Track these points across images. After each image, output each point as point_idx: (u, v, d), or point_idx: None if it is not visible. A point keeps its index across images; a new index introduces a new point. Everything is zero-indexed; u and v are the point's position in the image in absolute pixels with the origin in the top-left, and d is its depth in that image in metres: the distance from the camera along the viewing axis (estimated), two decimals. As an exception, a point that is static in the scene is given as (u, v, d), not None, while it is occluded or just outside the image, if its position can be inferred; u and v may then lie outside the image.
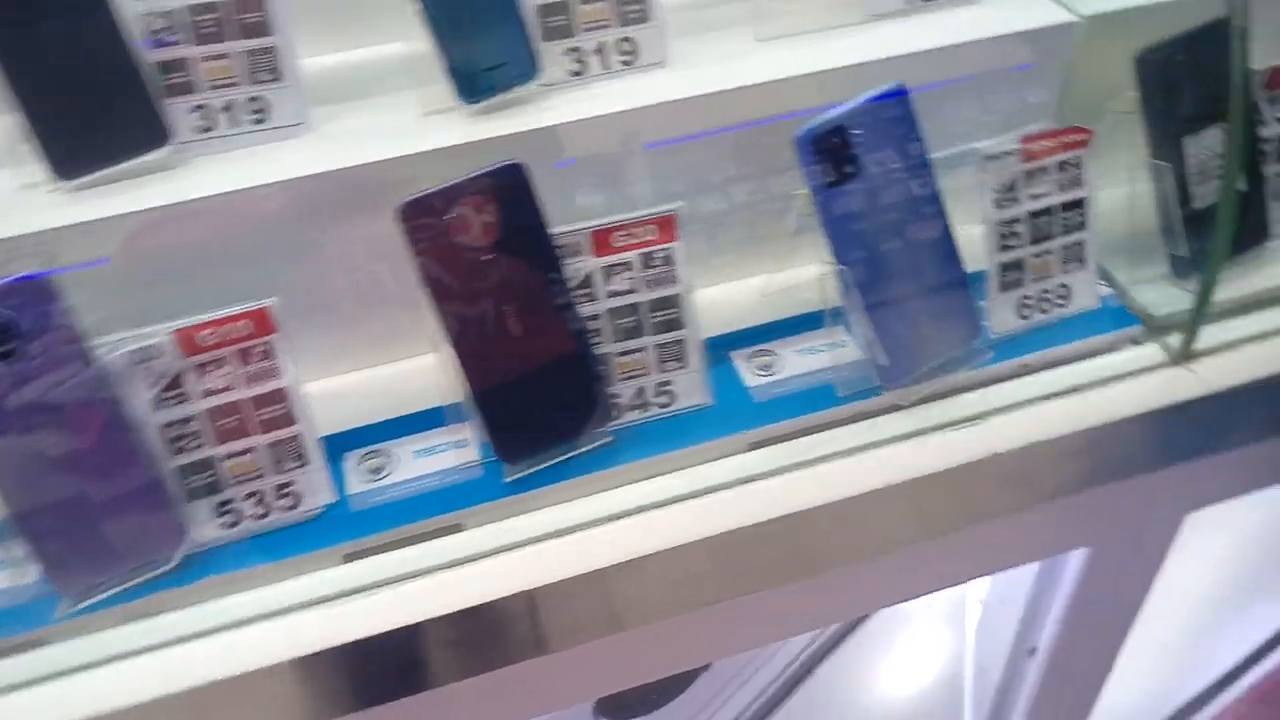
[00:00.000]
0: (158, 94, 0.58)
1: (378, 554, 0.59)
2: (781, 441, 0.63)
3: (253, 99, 0.61)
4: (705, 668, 0.92)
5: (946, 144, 0.62)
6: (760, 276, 0.70)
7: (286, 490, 0.58)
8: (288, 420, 0.57)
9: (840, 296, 0.61)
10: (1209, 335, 0.67)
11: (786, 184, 0.62)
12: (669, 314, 0.61)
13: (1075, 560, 0.77)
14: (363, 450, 0.63)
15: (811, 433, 0.63)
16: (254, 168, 0.60)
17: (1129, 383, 0.65)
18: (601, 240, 0.59)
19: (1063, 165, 0.64)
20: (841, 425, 0.64)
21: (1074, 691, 0.90)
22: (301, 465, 0.58)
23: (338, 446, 0.62)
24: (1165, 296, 0.69)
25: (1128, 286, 0.70)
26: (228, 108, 0.60)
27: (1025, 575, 0.84)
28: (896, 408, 0.64)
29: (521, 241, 0.57)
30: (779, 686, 0.96)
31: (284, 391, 0.57)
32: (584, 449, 0.61)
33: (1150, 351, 0.67)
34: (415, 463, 0.62)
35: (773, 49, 0.67)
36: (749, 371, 0.66)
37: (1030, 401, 0.64)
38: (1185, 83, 0.66)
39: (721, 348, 0.68)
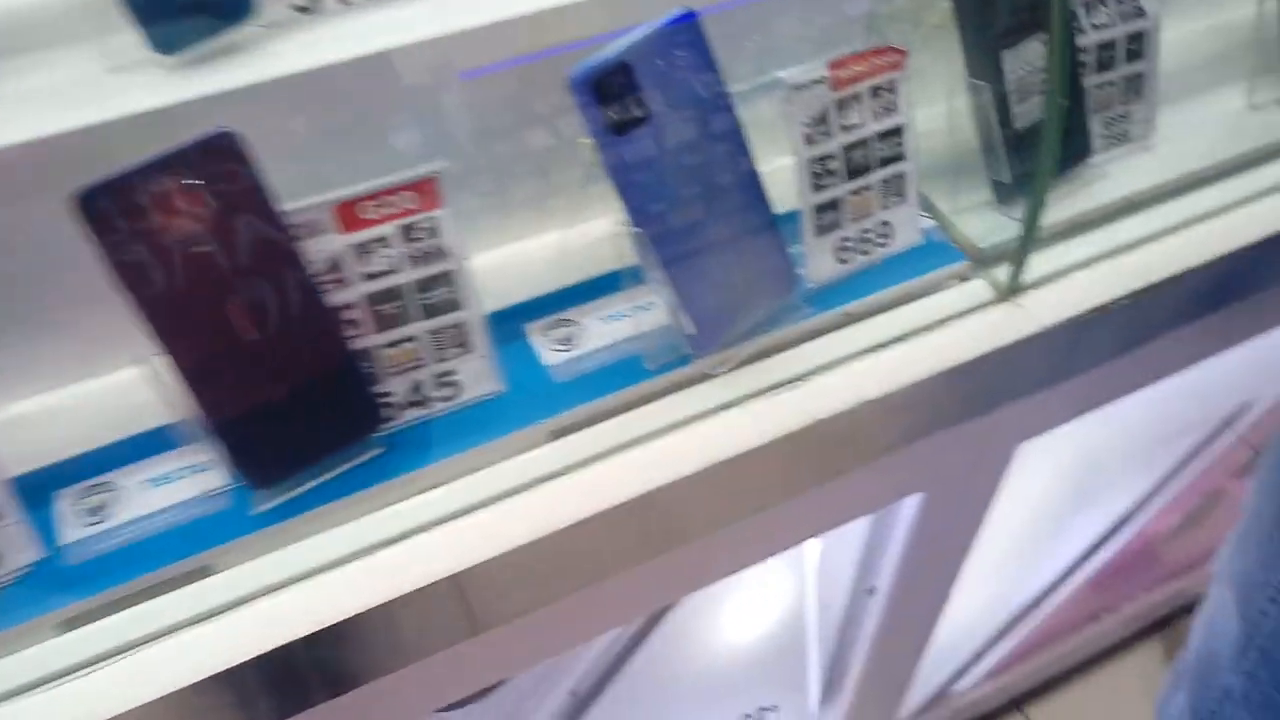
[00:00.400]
0: None
1: (104, 616, 0.48)
2: (587, 427, 0.55)
3: None
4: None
5: (760, 72, 0.55)
6: (554, 234, 0.62)
7: (-27, 555, 0.47)
8: (-40, 471, 0.46)
9: (638, 255, 0.53)
10: (1037, 264, 0.62)
11: (573, 128, 0.53)
12: (441, 294, 0.52)
13: (910, 503, 0.73)
14: (79, 486, 0.51)
15: (620, 413, 0.56)
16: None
17: (957, 325, 0.60)
18: (347, 214, 0.49)
19: (876, 91, 0.57)
20: (653, 401, 0.56)
21: (914, 624, 0.88)
22: (-7, 521, 0.47)
23: (44, 485, 0.51)
24: (990, 226, 0.64)
25: (951, 217, 0.64)
26: None
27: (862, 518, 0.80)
28: (711, 377, 0.57)
29: (242, 225, 0.46)
30: (622, 645, 0.91)
31: (-51, 437, 0.45)
32: (350, 462, 0.52)
33: (977, 288, 0.62)
34: (146, 496, 0.51)
35: (543, -34, 0.57)
36: (547, 347, 0.58)
37: (855, 355, 0.58)
38: (1002, -7, 0.60)
39: (515, 320, 0.59)
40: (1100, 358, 0.66)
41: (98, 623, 0.48)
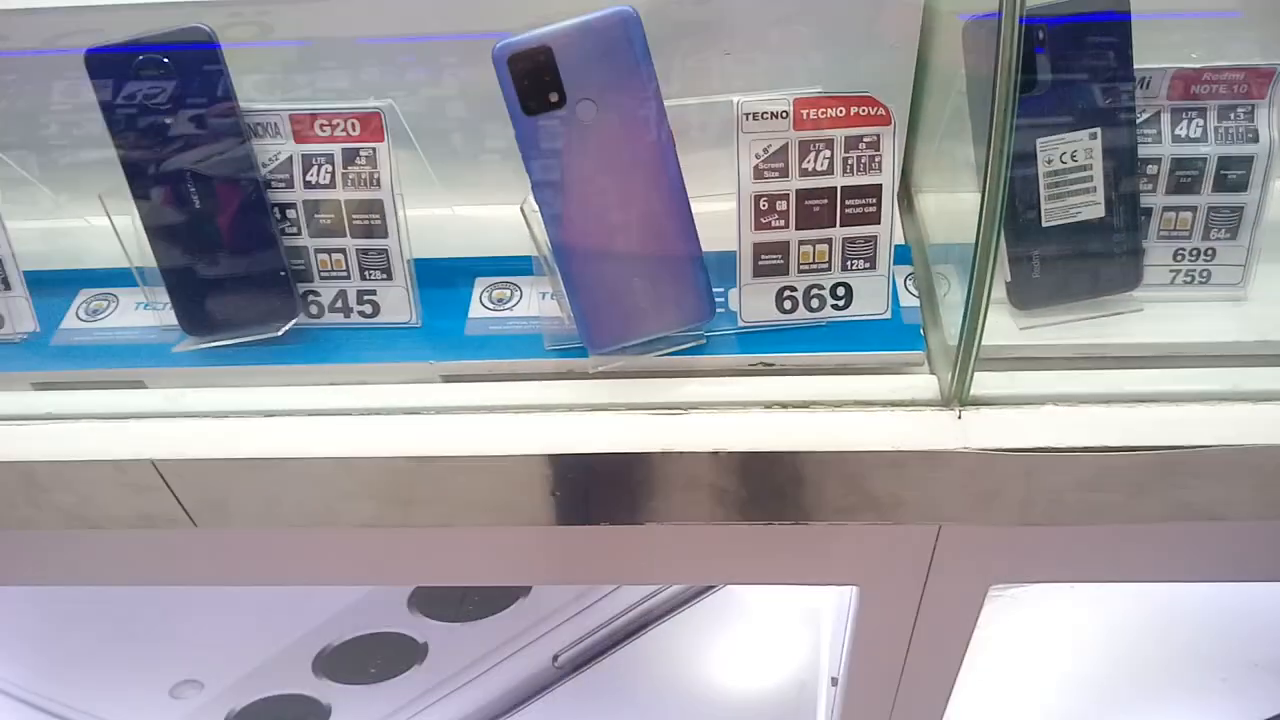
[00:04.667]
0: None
1: (62, 389, 0.60)
2: (475, 381, 0.59)
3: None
4: (526, 590, 0.90)
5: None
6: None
7: (-11, 310, 0.61)
8: (-11, 244, 0.59)
9: (542, 239, 0.55)
10: (1014, 384, 0.55)
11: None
12: (370, 219, 0.57)
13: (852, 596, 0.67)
14: (97, 291, 0.64)
15: (508, 380, 0.58)
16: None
17: (877, 413, 0.55)
18: (301, 125, 0.56)
19: (853, 142, 0.54)
20: (540, 380, 0.58)
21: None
22: (6, 290, 0.60)
23: (73, 283, 0.64)
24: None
25: (942, 302, 0.58)
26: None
27: (839, 602, 0.75)
28: (600, 375, 0.57)
29: (205, 109, 0.55)
30: (612, 631, 0.92)
31: (-14, 216, 0.59)
32: (263, 337, 0.59)
33: (924, 384, 0.56)
34: (132, 314, 0.63)
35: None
36: (480, 301, 0.61)
37: (751, 404, 0.56)
38: (1042, 71, 0.53)
39: (479, 271, 0.63)
40: (1072, 516, 0.56)
41: (56, 392, 0.61)
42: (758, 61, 0.60)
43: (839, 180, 0.54)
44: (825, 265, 0.56)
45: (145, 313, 0.62)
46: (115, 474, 0.57)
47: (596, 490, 0.57)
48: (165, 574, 0.69)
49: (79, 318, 0.63)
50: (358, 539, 0.63)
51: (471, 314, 0.61)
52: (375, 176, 0.56)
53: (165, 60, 0.54)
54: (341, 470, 0.57)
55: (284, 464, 0.57)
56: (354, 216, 0.57)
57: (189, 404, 0.59)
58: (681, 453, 0.54)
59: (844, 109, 0.53)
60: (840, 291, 0.57)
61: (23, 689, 1.06)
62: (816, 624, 0.88)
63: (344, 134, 0.56)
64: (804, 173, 0.54)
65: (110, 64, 0.54)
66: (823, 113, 0.53)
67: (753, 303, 0.57)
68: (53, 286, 0.63)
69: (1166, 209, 0.55)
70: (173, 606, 1.02)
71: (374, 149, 0.56)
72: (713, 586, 0.90)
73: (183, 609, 1.01)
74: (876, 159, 0.54)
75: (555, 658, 0.94)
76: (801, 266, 0.56)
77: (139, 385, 0.61)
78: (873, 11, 0.59)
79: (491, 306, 0.61)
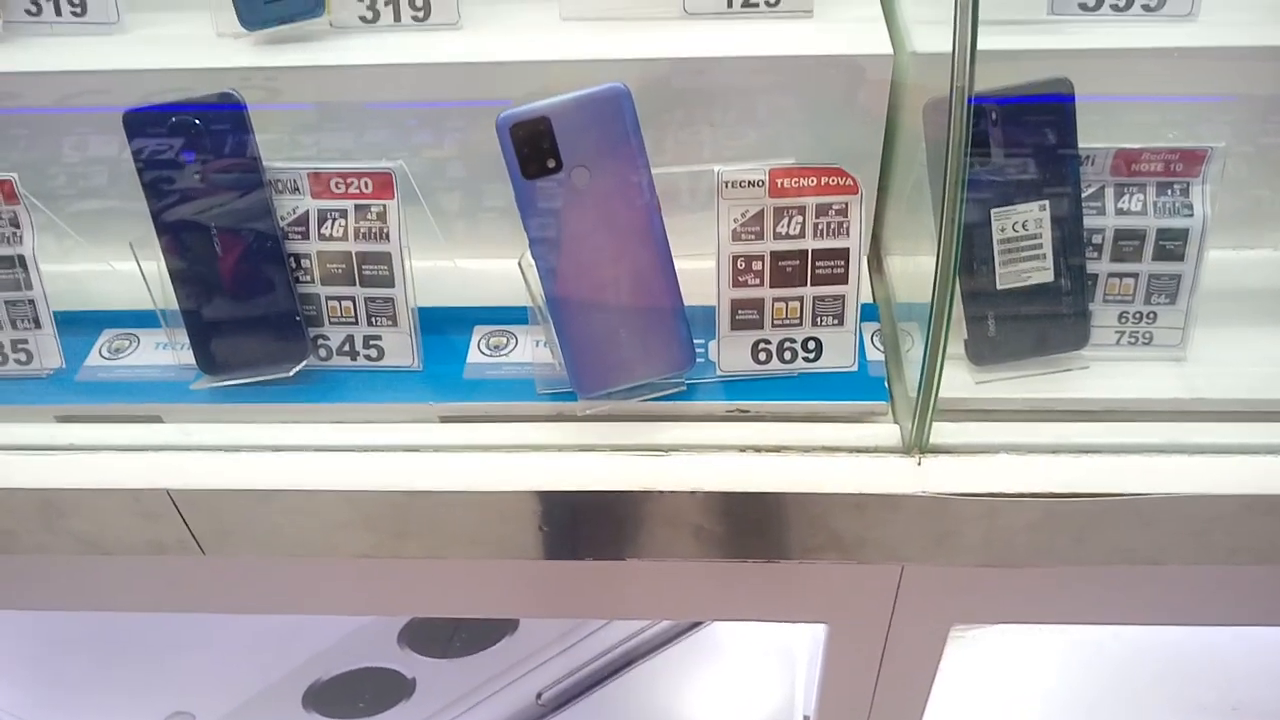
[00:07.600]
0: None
1: (84, 422, 0.65)
2: (471, 422, 0.63)
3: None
4: (513, 628, 0.94)
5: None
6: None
7: (21, 347, 0.65)
8: (24, 284, 0.64)
9: (537, 291, 0.59)
10: (971, 434, 0.59)
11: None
12: (379, 270, 0.62)
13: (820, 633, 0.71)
14: (118, 331, 0.68)
15: (501, 421, 0.63)
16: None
17: (841, 458, 0.59)
18: (319, 183, 0.61)
19: (823, 209, 0.59)
20: (533, 421, 0.62)
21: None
22: (36, 328, 0.65)
23: (99, 324, 0.68)
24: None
25: (905, 356, 0.63)
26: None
27: (813, 643, 0.79)
28: (588, 418, 0.62)
29: (234, 169, 0.60)
30: (594, 669, 0.95)
31: (22, 258, 0.63)
32: (275, 376, 0.64)
33: (886, 432, 0.60)
34: (152, 353, 0.67)
35: (576, 29, 0.65)
36: (478, 348, 0.66)
37: (727, 448, 0.60)
38: (996, 146, 0.58)
39: (478, 320, 0.68)
40: (1022, 558, 0.60)
41: (78, 424, 0.65)
42: (740, 133, 0.65)
43: (810, 243, 0.59)
44: (797, 321, 0.61)
45: (164, 352, 0.66)
46: (131, 502, 0.61)
47: (582, 526, 0.61)
48: (170, 601, 0.72)
49: (102, 356, 0.67)
50: (355, 569, 0.67)
51: (469, 359, 0.65)
52: (385, 231, 0.61)
53: (197, 121, 0.59)
54: (343, 502, 0.61)
55: (289, 495, 0.61)
56: (363, 267, 0.62)
57: (203, 438, 0.63)
58: (663, 492, 0.59)
59: (815, 179, 0.58)
60: (811, 345, 0.62)
61: (15, 716, 1.08)
62: (792, 664, 0.91)
63: (357, 191, 0.61)
64: (778, 236, 0.59)
65: (146, 123, 0.59)
66: (796, 182, 0.58)
67: (730, 354, 0.62)
68: (78, 326, 0.67)
69: (1111, 275, 0.60)
70: (166, 637, 1.04)
71: (384, 205, 0.61)
72: (693, 627, 0.94)
73: (176, 640, 1.04)
74: (845, 225, 0.59)
75: (539, 695, 0.97)
76: (775, 321, 0.61)
77: (156, 420, 0.65)
78: (847, 90, 0.64)
79: (488, 353, 0.66)
